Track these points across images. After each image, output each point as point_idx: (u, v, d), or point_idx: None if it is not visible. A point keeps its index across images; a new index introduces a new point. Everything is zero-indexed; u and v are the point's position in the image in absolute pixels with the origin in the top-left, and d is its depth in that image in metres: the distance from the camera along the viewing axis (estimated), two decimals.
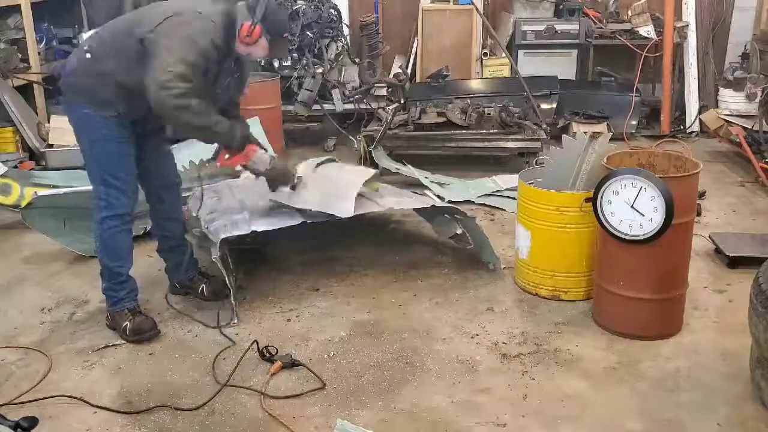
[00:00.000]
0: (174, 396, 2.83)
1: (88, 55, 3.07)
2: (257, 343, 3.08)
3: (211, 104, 3.04)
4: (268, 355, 3.03)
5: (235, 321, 3.34)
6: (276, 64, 6.29)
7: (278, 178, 3.40)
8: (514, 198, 4.15)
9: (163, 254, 3.62)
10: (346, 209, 3.48)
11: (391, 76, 6.55)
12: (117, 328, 3.25)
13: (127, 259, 3.28)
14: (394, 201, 3.86)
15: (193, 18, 2.96)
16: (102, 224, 3.17)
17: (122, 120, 3.09)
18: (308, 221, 3.49)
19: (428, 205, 3.83)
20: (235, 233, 3.40)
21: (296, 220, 3.49)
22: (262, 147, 3.32)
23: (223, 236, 3.35)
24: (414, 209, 4.21)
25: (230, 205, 3.73)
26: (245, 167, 3.29)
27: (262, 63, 6.19)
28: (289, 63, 6.31)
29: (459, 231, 3.95)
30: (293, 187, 3.47)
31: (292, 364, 2.98)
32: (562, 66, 6.70)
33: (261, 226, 3.45)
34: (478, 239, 3.87)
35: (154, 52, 2.90)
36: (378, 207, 3.73)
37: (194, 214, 3.78)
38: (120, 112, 3.07)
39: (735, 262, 3.85)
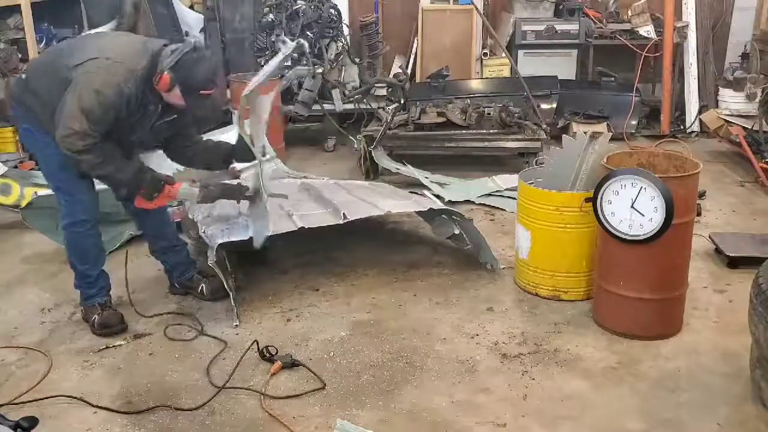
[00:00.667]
0: (174, 396, 2.82)
1: (23, 76, 3.18)
2: (257, 343, 3.08)
3: (116, 152, 3.08)
4: (268, 355, 3.03)
5: (236, 322, 3.34)
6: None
7: (228, 195, 3.42)
8: (514, 198, 4.15)
9: (158, 256, 3.64)
10: (342, 215, 3.55)
11: (391, 76, 6.55)
12: (88, 321, 3.33)
13: (96, 261, 3.34)
14: (393, 204, 3.86)
15: (105, 67, 2.95)
16: (66, 230, 3.26)
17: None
18: (306, 227, 3.50)
19: (425, 208, 3.83)
20: (232, 239, 3.40)
21: (294, 226, 3.49)
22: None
23: (219, 242, 3.36)
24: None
25: (226, 209, 3.72)
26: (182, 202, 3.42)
27: (263, 61, 6.19)
28: (289, 63, 6.30)
29: (457, 231, 3.95)
30: (250, 197, 3.47)
31: (292, 364, 2.98)
32: (562, 66, 6.70)
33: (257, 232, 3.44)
34: (476, 240, 3.88)
35: (65, 98, 2.95)
36: (377, 210, 3.73)
37: (190, 216, 3.78)
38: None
39: (735, 262, 3.85)
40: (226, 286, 3.36)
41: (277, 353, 3.04)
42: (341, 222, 3.57)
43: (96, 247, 3.33)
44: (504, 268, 3.88)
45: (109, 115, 2.96)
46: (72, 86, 2.94)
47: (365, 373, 2.97)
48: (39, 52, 5.94)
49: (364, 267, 3.95)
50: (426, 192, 4.36)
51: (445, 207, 3.89)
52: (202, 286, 3.57)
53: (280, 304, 3.56)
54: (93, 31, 3.44)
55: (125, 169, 3.11)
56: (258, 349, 3.06)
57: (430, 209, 3.84)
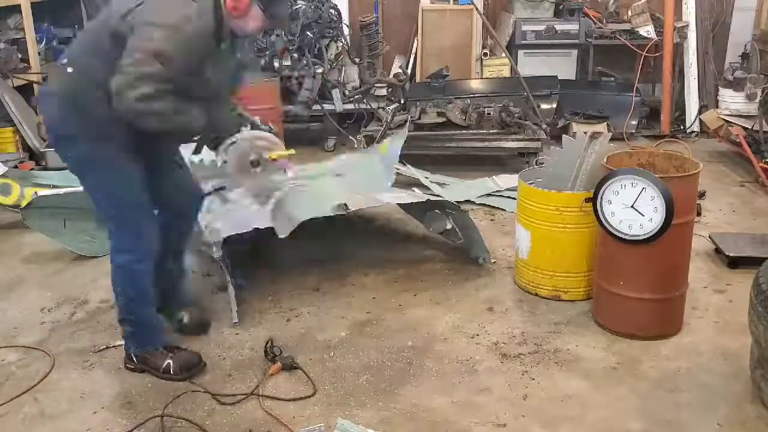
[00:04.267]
0: (174, 396, 2.82)
1: (70, 69, 2.62)
2: (271, 341, 3.07)
3: (188, 101, 2.61)
4: (271, 354, 3.03)
5: (236, 321, 3.34)
6: (276, 64, 6.29)
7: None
8: (514, 198, 4.15)
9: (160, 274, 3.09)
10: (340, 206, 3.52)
11: (391, 76, 6.56)
12: (151, 367, 2.93)
13: (153, 300, 2.96)
14: (390, 196, 3.88)
15: (181, 2, 2.52)
16: (122, 269, 2.83)
17: (127, 146, 2.70)
18: (308, 219, 3.49)
19: (423, 199, 3.85)
20: (237, 232, 3.40)
21: (296, 221, 3.49)
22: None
23: (224, 235, 3.35)
24: (403, 207, 4.24)
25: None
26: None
27: (263, 61, 6.20)
28: (289, 63, 6.32)
29: (449, 226, 3.96)
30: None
31: (291, 366, 2.97)
32: (562, 66, 6.70)
33: (262, 223, 3.45)
34: (469, 234, 3.88)
35: (128, 44, 2.47)
36: (375, 202, 3.74)
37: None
38: (118, 141, 2.67)
39: (735, 262, 3.85)
40: (230, 286, 3.35)
41: (281, 353, 3.03)
42: (344, 213, 3.55)
43: (151, 284, 2.91)
44: (495, 262, 3.91)
45: (187, 57, 2.51)
46: (137, 30, 2.46)
47: (365, 373, 2.97)
48: (39, 53, 5.96)
49: (364, 267, 3.94)
50: (416, 189, 4.36)
51: (440, 199, 3.90)
52: (183, 315, 3.24)
53: (280, 304, 3.56)
54: None
55: (197, 114, 2.64)
56: (267, 347, 3.04)
57: (428, 201, 3.84)
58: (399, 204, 4.14)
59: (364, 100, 6.43)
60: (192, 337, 3.16)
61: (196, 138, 2.89)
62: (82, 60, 2.63)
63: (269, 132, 2.97)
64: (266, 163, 2.93)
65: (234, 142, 2.82)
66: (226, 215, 3.61)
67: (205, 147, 2.94)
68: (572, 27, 6.70)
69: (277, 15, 2.73)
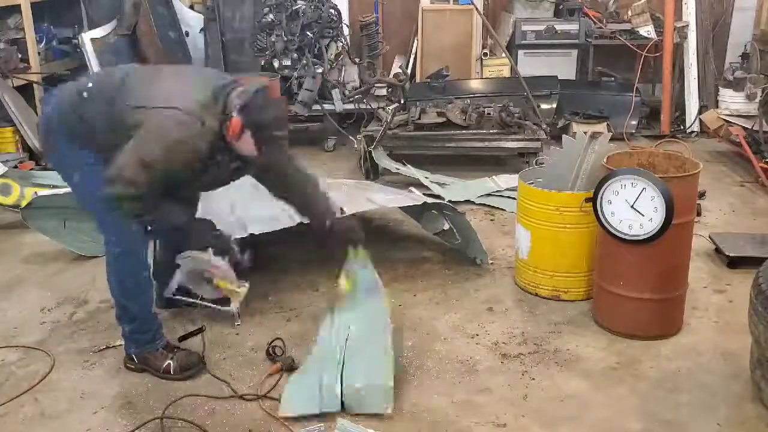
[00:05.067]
0: (174, 396, 2.82)
1: (85, 94, 2.75)
2: (282, 342, 3.08)
3: (163, 203, 2.69)
4: (273, 354, 3.02)
5: (238, 322, 3.34)
6: (276, 64, 6.30)
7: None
8: (514, 198, 4.15)
9: (165, 266, 3.17)
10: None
11: (391, 76, 6.55)
12: (151, 368, 2.95)
13: (152, 296, 2.99)
14: (387, 199, 3.89)
15: (177, 122, 2.58)
16: (117, 262, 2.87)
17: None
18: (305, 222, 3.49)
19: (420, 202, 3.84)
20: (236, 236, 3.39)
21: (292, 222, 3.49)
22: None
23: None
24: (401, 208, 4.24)
25: (220, 208, 3.72)
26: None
27: (263, 61, 6.19)
28: (289, 63, 6.32)
29: (446, 227, 3.96)
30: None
31: (291, 368, 2.96)
32: (562, 66, 6.70)
33: (257, 228, 3.44)
34: (466, 234, 3.88)
35: (129, 143, 2.59)
36: (372, 205, 3.74)
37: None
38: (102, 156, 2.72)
39: (735, 263, 3.85)
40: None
41: (283, 354, 3.03)
42: (339, 216, 3.55)
43: (149, 278, 2.97)
44: (492, 263, 3.91)
45: (174, 174, 2.63)
46: (138, 134, 2.58)
47: None
48: (39, 53, 5.96)
49: None
50: (413, 189, 4.37)
51: (437, 200, 3.90)
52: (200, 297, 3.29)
53: (280, 304, 3.56)
54: (150, 67, 3.16)
55: (177, 213, 2.76)
56: (269, 347, 3.05)
57: (424, 203, 3.85)
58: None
59: (364, 100, 6.43)
60: (191, 338, 3.14)
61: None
62: (98, 99, 2.74)
63: (240, 259, 2.89)
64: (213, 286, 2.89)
65: (189, 257, 2.82)
66: (219, 218, 3.59)
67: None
68: (572, 27, 6.70)
69: (270, 152, 2.77)
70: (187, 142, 2.60)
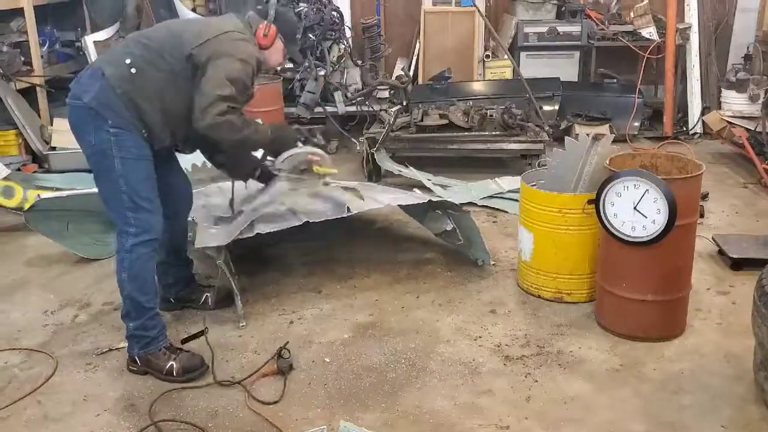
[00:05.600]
0: (177, 398, 2.82)
1: (133, 70, 2.85)
2: (286, 344, 3.06)
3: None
4: (277, 356, 3.02)
5: (243, 323, 3.34)
6: (278, 67, 6.29)
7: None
8: (516, 200, 4.14)
9: (163, 269, 3.31)
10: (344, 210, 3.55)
11: (393, 78, 6.55)
12: (154, 369, 2.96)
13: (156, 290, 3.04)
14: (392, 197, 3.89)
15: (240, 39, 2.99)
16: (132, 253, 2.88)
17: (152, 139, 2.93)
18: (311, 221, 3.50)
19: (424, 201, 3.85)
20: (239, 236, 3.40)
21: (298, 221, 3.50)
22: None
23: (227, 240, 3.35)
24: (404, 208, 4.25)
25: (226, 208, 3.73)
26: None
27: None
28: (291, 65, 6.32)
29: (449, 228, 3.96)
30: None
31: (283, 370, 2.95)
32: (565, 68, 6.69)
33: (264, 228, 3.45)
34: (469, 235, 3.88)
35: (204, 72, 2.90)
36: (377, 204, 3.74)
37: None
38: (152, 132, 2.91)
39: (738, 264, 3.84)
40: (234, 289, 3.35)
41: (290, 356, 3.02)
42: (345, 215, 3.57)
43: (154, 273, 3.03)
44: (494, 264, 3.91)
45: (250, 86, 3.02)
46: (211, 62, 2.88)
47: (368, 375, 2.97)
48: (42, 56, 5.97)
49: (367, 269, 3.95)
50: (417, 191, 4.37)
51: (441, 199, 3.89)
52: (207, 296, 3.48)
53: (283, 306, 3.56)
54: (170, 21, 3.37)
55: (260, 129, 3.15)
56: (279, 351, 3.03)
57: (429, 201, 3.85)
58: (400, 205, 4.14)
59: (367, 103, 6.43)
60: (193, 341, 3.15)
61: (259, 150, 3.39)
62: (146, 68, 2.89)
63: (320, 145, 3.60)
64: (311, 174, 3.47)
65: (292, 155, 3.35)
66: (225, 218, 3.62)
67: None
68: (574, 29, 6.69)
69: (293, 51, 3.38)
70: (253, 53, 3.01)
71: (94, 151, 2.86)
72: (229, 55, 2.92)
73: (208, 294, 3.51)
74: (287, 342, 3.06)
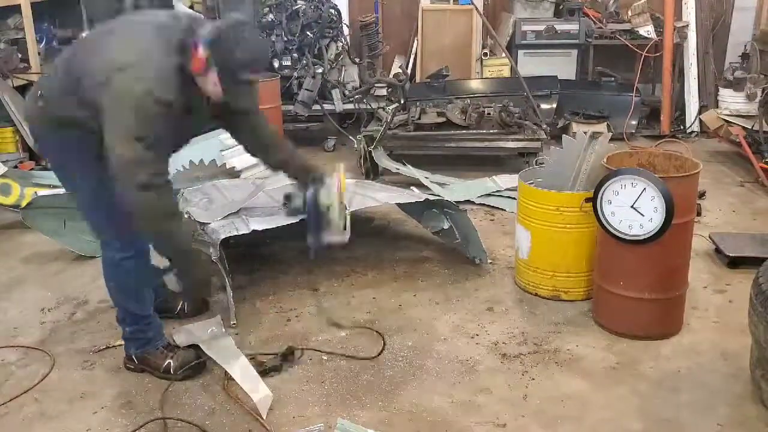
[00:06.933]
0: (174, 396, 2.82)
1: (40, 104, 2.60)
2: (293, 347, 3.07)
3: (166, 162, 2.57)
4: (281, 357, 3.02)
5: (234, 322, 3.34)
6: (276, 64, 6.29)
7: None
8: (514, 198, 4.15)
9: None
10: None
11: (391, 76, 6.56)
12: (152, 367, 2.93)
13: (149, 297, 2.94)
14: (389, 196, 3.89)
15: (134, 79, 2.38)
16: (119, 266, 2.79)
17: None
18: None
19: (422, 199, 3.85)
20: (235, 233, 3.40)
21: (295, 218, 3.49)
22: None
23: (223, 236, 3.35)
24: (402, 207, 4.25)
25: (223, 206, 3.72)
26: None
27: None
28: (289, 63, 6.32)
29: (446, 226, 3.96)
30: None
31: (273, 368, 2.94)
32: (562, 66, 6.70)
33: (260, 225, 3.44)
34: (466, 233, 3.88)
35: (104, 120, 2.42)
36: (374, 202, 3.74)
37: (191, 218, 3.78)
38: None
39: (735, 262, 3.85)
40: (227, 288, 3.35)
41: (292, 352, 3.02)
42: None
43: (149, 279, 2.93)
44: (491, 262, 3.91)
45: (157, 126, 2.42)
46: (106, 113, 2.41)
47: (365, 373, 2.97)
48: (39, 53, 5.95)
49: (364, 267, 3.95)
50: (414, 188, 4.37)
51: (438, 197, 3.89)
52: (183, 304, 3.38)
53: (280, 304, 3.56)
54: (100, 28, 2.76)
55: (184, 236, 2.71)
56: (289, 350, 3.04)
57: (427, 200, 3.85)
58: (397, 203, 4.14)
59: (364, 100, 6.43)
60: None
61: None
62: (54, 98, 2.59)
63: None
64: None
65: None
66: (215, 211, 3.61)
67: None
68: (572, 27, 6.70)
69: (237, 94, 2.61)
70: (149, 93, 2.37)
71: (55, 166, 2.79)
72: (120, 104, 2.37)
73: (185, 301, 3.38)
74: (290, 347, 3.06)
